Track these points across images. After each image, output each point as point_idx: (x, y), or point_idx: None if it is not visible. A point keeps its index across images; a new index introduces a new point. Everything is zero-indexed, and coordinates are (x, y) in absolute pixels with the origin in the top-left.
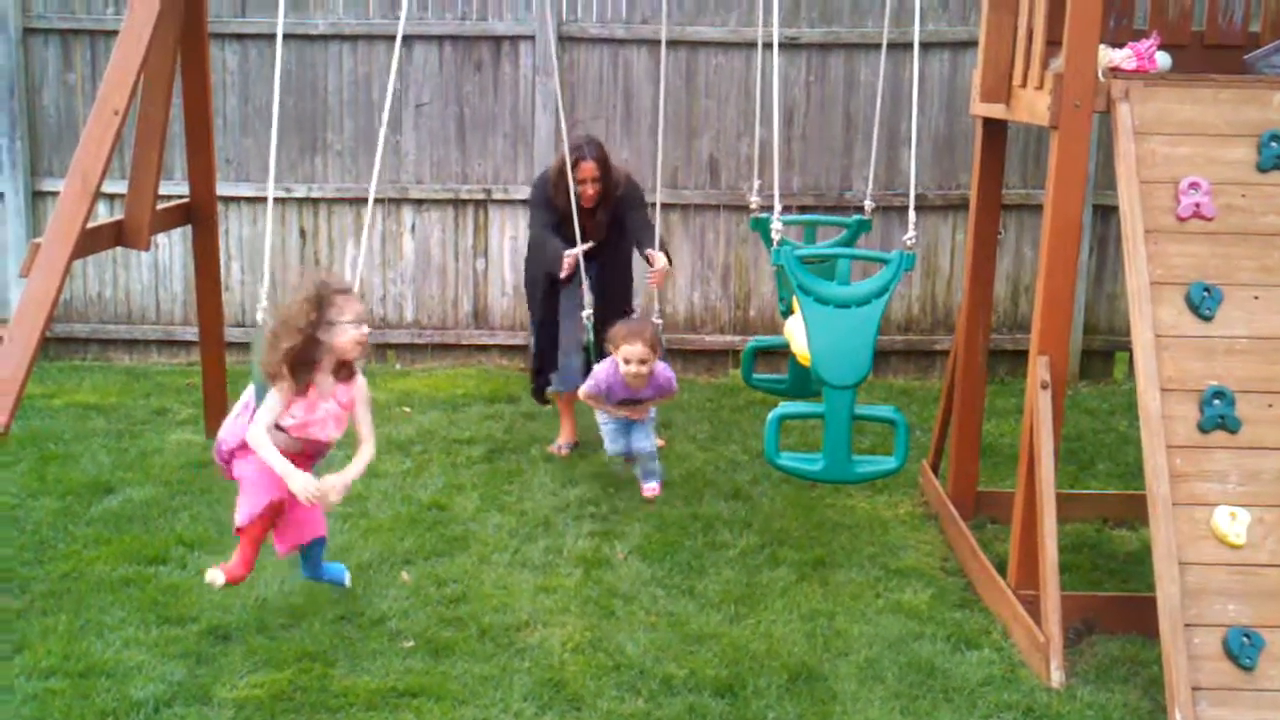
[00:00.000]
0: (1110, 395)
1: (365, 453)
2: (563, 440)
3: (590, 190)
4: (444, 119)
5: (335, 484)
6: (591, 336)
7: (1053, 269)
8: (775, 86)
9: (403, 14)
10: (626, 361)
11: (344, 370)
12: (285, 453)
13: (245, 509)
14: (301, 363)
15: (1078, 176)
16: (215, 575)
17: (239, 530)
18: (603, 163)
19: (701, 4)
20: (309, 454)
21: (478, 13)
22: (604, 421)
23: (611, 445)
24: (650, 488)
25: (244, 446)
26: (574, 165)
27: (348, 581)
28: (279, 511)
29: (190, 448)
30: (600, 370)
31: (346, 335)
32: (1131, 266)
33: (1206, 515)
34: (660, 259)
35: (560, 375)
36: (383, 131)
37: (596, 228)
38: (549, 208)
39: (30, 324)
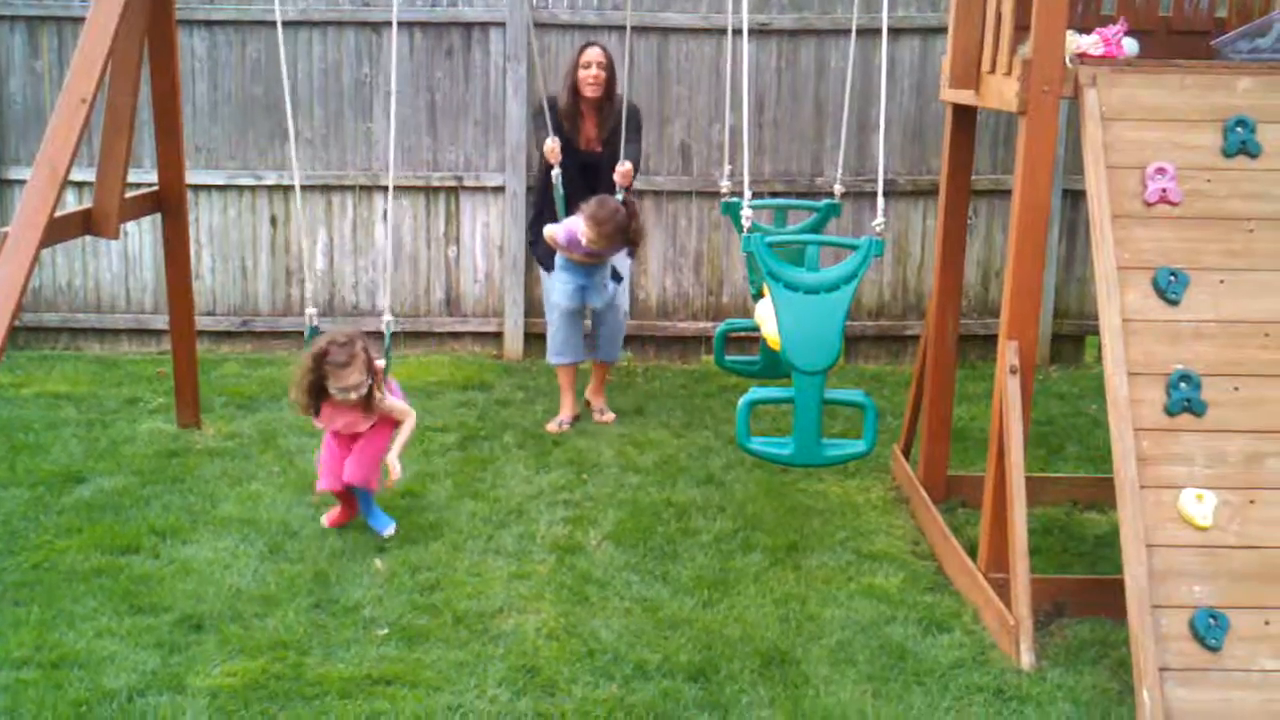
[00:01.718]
0: (1080, 379)
1: (404, 430)
2: (564, 415)
3: (594, 74)
4: (415, 106)
5: (392, 465)
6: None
7: (1021, 255)
8: (745, 73)
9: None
10: (587, 237)
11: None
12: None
13: (319, 484)
14: (304, 396)
15: (1046, 162)
16: (324, 519)
17: (323, 490)
18: (608, 57)
19: None
20: (373, 430)
21: None
22: (562, 278)
23: (568, 301)
24: (599, 360)
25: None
26: (582, 50)
27: (387, 533)
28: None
29: (161, 436)
30: (571, 224)
31: (337, 397)
32: (1099, 252)
33: (1174, 498)
34: (627, 164)
35: (559, 348)
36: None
37: (600, 128)
38: (544, 113)
39: None
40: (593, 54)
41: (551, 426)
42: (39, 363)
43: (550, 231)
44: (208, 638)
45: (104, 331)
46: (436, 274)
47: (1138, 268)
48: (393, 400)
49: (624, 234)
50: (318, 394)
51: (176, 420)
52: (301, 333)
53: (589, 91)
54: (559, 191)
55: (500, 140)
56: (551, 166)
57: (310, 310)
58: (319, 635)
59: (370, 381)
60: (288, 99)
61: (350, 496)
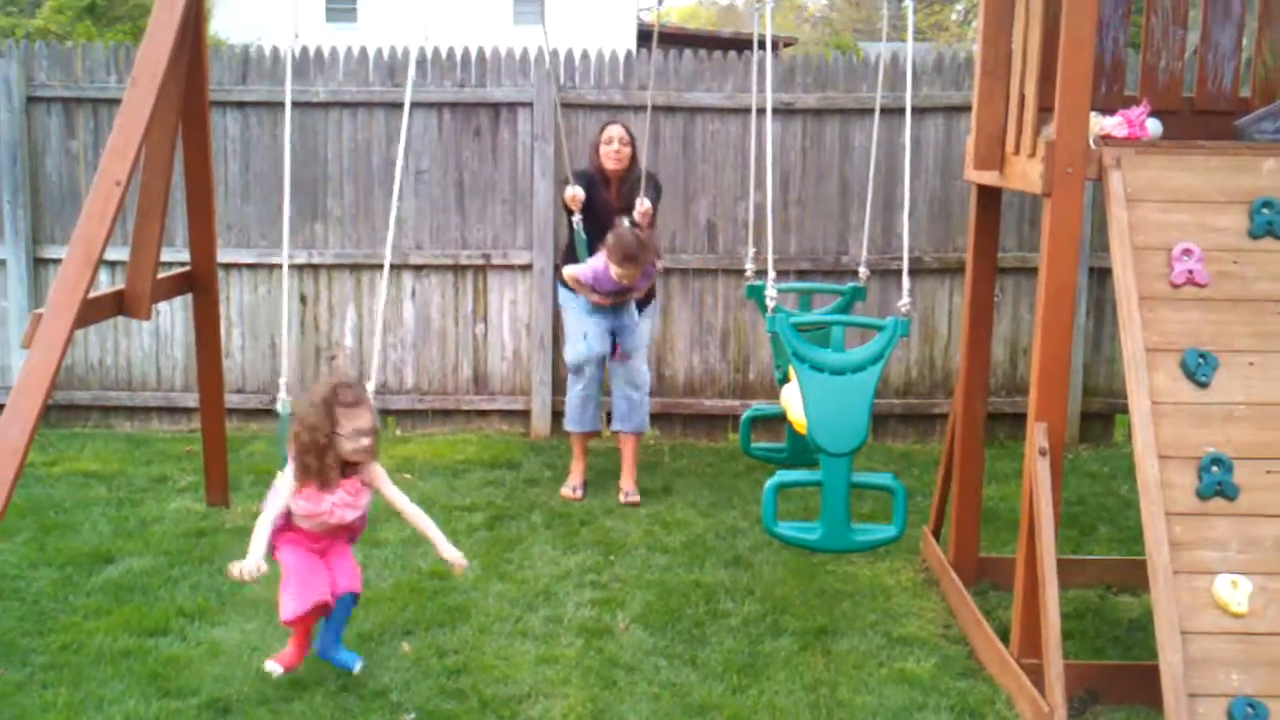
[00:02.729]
0: (1110, 458)
1: (423, 521)
2: (575, 480)
3: (615, 149)
4: (444, 185)
5: (455, 560)
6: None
7: (1048, 335)
8: (770, 152)
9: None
10: (616, 271)
11: (351, 466)
12: (316, 534)
13: (291, 606)
14: (309, 457)
15: (1071, 243)
16: (273, 666)
17: (286, 624)
18: (629, 133)
19: (698, 70)
20: (340, 534)
21: (476, 80)
22: (589, 323)
23: (599, 345)
24: (626, 429)
25: (283, 531)
26: (603, 128)
27: (358, 668)
28: (325, 610)
29: (190, 516)
30: (595, 264)
31: (348, 445)
32: (1127, 333)
33: (1208, 584)
34: (646, 202)
35: (574, 416)
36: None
37: (622, 199)
38: (581, 177)
39: (32, 394)
40: (614, 130)
41: (565, 492)
42: (70, 440)
43: (573, 272)
44: None
45: (134, 409)
46: (464, 352)
47: (1166, 349)
48: (380, 471)
49: (647, 251)
50: (325, 453)
51: (205, 499)
52: None
53: (611, 164)
54: (580, 236)
55: (528, 219)
56: (573, 213)
57: (283, 394)
58: None
59: (368, 441)
60: (289, 178)
61: (308, 629)
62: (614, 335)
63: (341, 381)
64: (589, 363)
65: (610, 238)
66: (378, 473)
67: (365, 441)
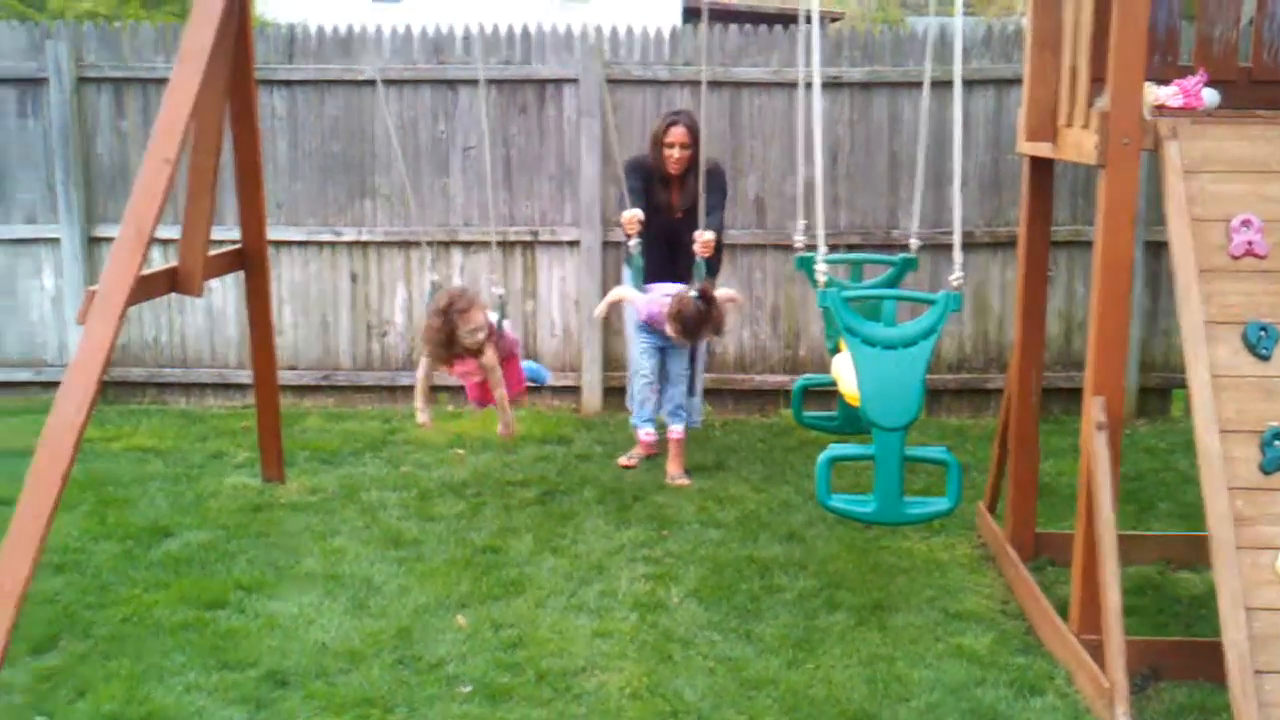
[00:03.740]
0: (1168, 433)
1: (497, 395)
2: (638, 450)
3: (677, 154)
4: (491, 161)
5: (506, 424)
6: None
7: (1105, 309)
8: (817, 126)
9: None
10: (673, 335)
11: (475, 351)
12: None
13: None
14: (436, 348)
15: (1127, 215)
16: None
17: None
18: (693, 131)
19: (744, 45)
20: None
21: (521, 57)
22: (641, 342)
23: (649, 360)
24: (675, 429)
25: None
26: (666, 129)
27: (546, 378)
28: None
29: (246, 491)
30: (655, 305)
31: (467, 340)
32: (1185, 306)
33: (1271, 559)
34: (708, 234)
35: (639, 412)
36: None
37: (684, 196)
38: (638, 171)
39: (88, 370)
40: (677, 134)
41: (622, 460)
42: (127, 417)
43: (628, 297)
44: (293, 694)
45: (189, 386)
46: (514, 328)
47: (1226, 322)
48: (493, 358)
49: (709, 328)
50: (449, 344)
51: (261, 474)
52: (382, 387)
53: (673, 169)
54: (636, 263)
55: (575, 195)
56: (630, 236)
57: (432, 277)
58: (403, 692)
59: (487, 326)
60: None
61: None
62: (662, 353)
63: (452, 293)
64: (642, 376)
65: (674, 305)
66: (489, 363)
67: (480, 335)
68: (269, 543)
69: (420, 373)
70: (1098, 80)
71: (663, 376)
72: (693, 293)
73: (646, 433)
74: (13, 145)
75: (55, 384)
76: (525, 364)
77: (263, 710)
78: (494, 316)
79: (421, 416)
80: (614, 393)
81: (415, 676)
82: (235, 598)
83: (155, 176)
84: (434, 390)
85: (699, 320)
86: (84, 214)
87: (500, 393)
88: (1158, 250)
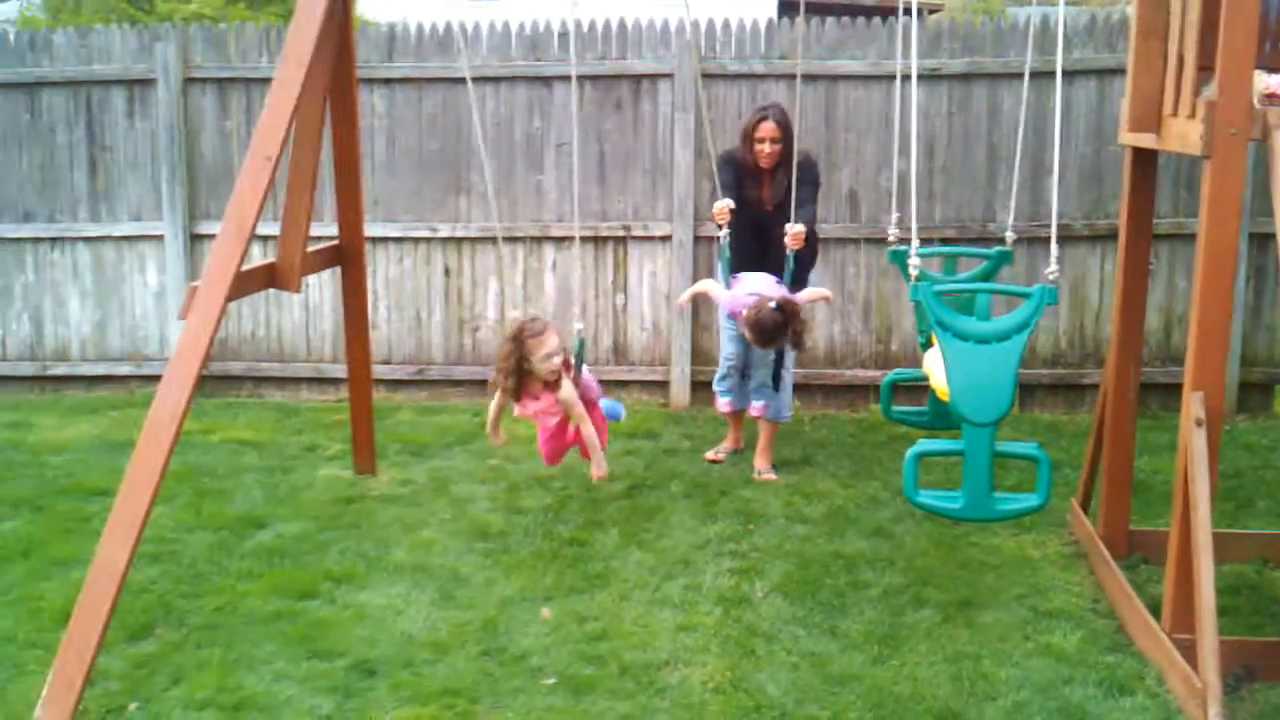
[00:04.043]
0: (1270, 430)
1: (585, 432)
2: (725, 444)
3: (768, 149)
4: (584, 156)
5: (598, 465)
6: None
7: (1207, 302)
8: (914, 120)
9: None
10: (750, 338)
11: (551, 384)
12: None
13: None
14: (511, 380)
15: (1233, 206)
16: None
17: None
18: (784, 126)
19: (841, 38)
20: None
21: (617, 52)
22: (729, 328)
23: (734, 346)
24: (757, 406)
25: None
26: (756, 124)
27: (621, 415)
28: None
29: (338, 483)
30: (738, 300)
31: (542, 367)
32: None
33: None
34: (799, 226)
35: (723, 389)
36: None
37: (775, 189)
38: (730, 165)
39: (188, 364)
40: (767, 129)
41: (709, 455)
42: (224, 410)
43: (714, 292)
44: (380, 683)
45: (285, 379)
46: (604, 322)
47: None
48: (571, 392)
49: (785, 338)
50: (519, 373)
51: (353, 467)
52: (474, 381)
53: (764, 163)
54: (725, 255)
55: (668, 190)
56: (721, 226)
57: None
58: (487, 683)
59: (563, 354)
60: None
61: (553, 456)
62: (743, 341)
63: (527, 319)
64: (725, 358)
65: (751, 311)
66: (568, 397)
67: (555, 362)
68: (359, 534)
69: (493, 404)
70: (1205, 69)
71: (749, 361)
72: (772, 304)
73: (725, 402)
74: (121, 145)
75: (156, 378)
76: (601, 402)
77: (350, 699)
78: (573, 354)
79: (495, 439)
80: (702, 387)
81: (500, 668)
82: (325, 588)
83: (257, 174)
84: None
85: (774, 331)
86: (187, 211)
87: (588, 430)
88: (1263, 242)
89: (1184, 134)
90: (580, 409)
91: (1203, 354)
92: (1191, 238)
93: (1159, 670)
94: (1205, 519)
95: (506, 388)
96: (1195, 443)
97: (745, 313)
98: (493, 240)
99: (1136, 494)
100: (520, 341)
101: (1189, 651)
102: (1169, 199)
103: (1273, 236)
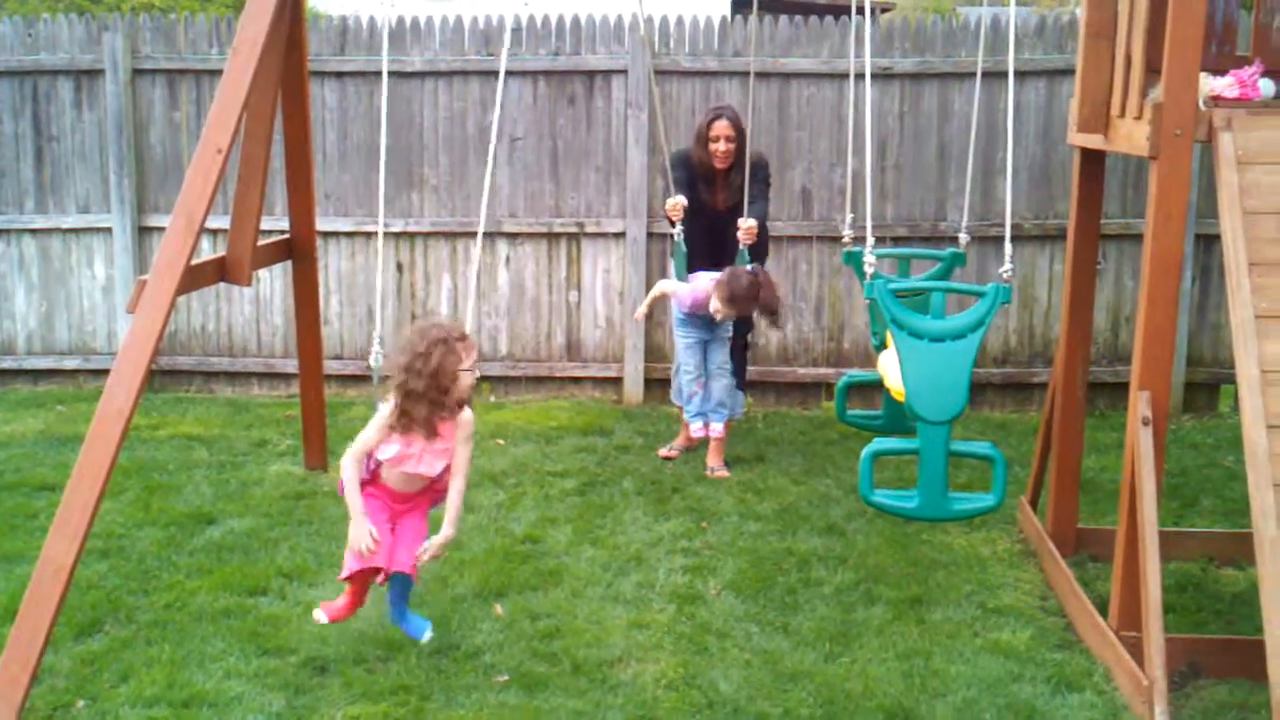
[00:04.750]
0: (1215, 429)
1: (454, 492)
2: (679, 442)
3: (723, 148)
4: (538, 153)
5: (431, 549)
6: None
7: (1153, 303)
8: (868, 118)
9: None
10: (720, 311)
11: (454, 409)
12: (399, 492)
13: (348, 564)
14: (418, 405)
15: (1178, 208)
16: (320, 615)
17: (344, 579)
18: (737, 125)
19: (794, 36)
20: (424, 492)
21: (570, 47)
22: (683, 337)
23: (690, 357)
24: (716, 429)
25: (367, 485)
26: (710, 123)
27: (425, 638)
28: (377, 575)
29: (290, 479)
30: (698, 289)
31: (467, 380)
32: (1235, 300)
33: None
34: (749, 221)
35: (695, 414)
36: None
37: (729, 192)
38: (685, 165)
39: (137, 358)
40: (721, 128)
41: (662, 451)
42: (174, 405)
43: (670, 289)
44: (332, 680)
45: (235, 375)
46: (558, 319)
47: (1277, 317)
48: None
49: (756, 305)
50: (440, 392)
51: (304, 463)
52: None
53: (718, 164)
54: (680, 250)
55: (621, 186)
56: (674, 223)
57: (376, 346)
58: (440, 681)
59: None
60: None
61: (362, 587)
62: (704, 346)
63: (444, 325)
64: (685, 371)
65: (725, 275)
66: (467, 425)
67: (474, 377)
68: (310, 531)
69: (361, 449)
70: (1152, 71)
71: (709, 359)
72: (748, 268)
73: (697, 428)
74: (68, 136)
75: (104, 372)
76: (411, 617)
77: (301, 696)
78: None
79: (364, 536)
80: (655, 384)
81: (452, 665)
82: (276, 585)
83: (207, 167)
84: (481, 380)
85: (749, 294)
86: (136, 204)
87: (459, 482)
88: (1209, 243)
89: (1131, 135)
90: (467, 452)
91: (1149, 354)
92: (1139, 238)
93: (1106, 667)
94: (1151, 517)
95: (416, 416)
96: (1141, 442)
97: (718, 281)
98: (445, 235)
99: (1084, 492)
100: (450, 346)
101: (1135, 649)
102: (1117, 200)
103: (1218, 237)
